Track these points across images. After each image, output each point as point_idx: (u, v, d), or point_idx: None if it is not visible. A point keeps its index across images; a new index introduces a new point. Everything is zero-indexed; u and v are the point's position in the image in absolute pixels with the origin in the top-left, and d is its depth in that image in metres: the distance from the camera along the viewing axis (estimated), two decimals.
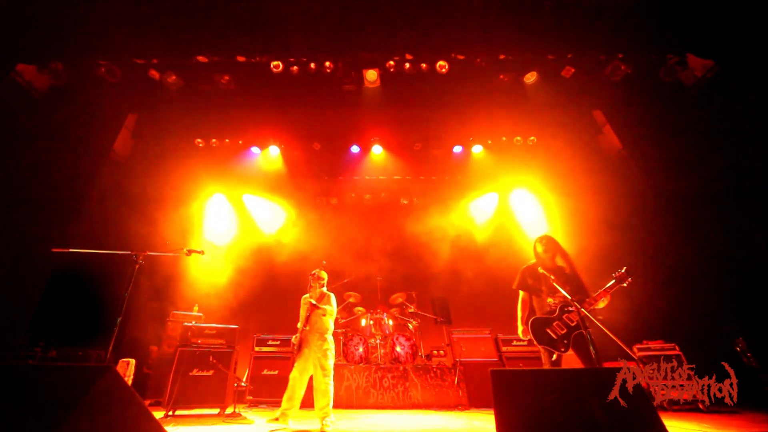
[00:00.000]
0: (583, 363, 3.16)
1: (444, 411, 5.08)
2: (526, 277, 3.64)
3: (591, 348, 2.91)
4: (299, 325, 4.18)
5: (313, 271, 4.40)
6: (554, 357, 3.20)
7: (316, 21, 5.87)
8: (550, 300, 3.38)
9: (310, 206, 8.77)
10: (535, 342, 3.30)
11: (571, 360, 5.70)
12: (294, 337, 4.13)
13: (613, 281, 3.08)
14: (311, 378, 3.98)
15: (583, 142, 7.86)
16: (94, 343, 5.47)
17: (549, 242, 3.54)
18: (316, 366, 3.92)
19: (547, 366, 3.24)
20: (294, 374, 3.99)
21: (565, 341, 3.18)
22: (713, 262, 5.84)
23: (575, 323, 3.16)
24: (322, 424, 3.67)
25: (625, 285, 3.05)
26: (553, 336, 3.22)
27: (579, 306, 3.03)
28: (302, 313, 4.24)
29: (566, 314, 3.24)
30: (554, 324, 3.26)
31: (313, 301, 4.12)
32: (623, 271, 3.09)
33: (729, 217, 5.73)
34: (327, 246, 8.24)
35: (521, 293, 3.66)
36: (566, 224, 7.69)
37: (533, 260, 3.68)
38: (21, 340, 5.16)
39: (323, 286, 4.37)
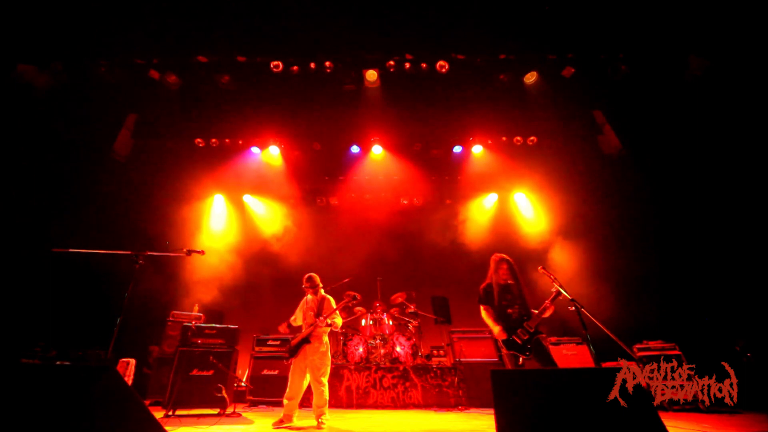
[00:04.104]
0: (541, 364, 3.49)
1: (444, 411, 5.08)
2: (486, 294, 3.95)
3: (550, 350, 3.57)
4: (292, 321, 4.27)
5: (306, 277, 4.35)
6: (520, 361, 3.55)
7: (316, 21, 5.87)
8: (510, 311, 3.74)
9: (310, 206, 8.76)
10: (505, 350, 3.65)
11: (572, 360, 5.71)
12: (292, 337, 4.16)
13: (552, 297, 3.55)
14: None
15: (583, 142, 7.86)
16: (94, 343, 5.47)
17: (505, 263, 3.97)
18: (313, 367, 3.95)
19: None
20: (293, 375, 4.01)
21: (528, 345, 3.55)
22: (713, 261, 5.84)
23: (534, 329, 3.60)
24: (318, 421, 3.79)
25: (560, 297, 3.49)
26: (518, 342, 3.59)
27: (579, 306, 3.23)
28: (301, 316, 4.27)
29: (525, 322, 3.64)
30: (518, 331, 3.62)
31: (327, 322, 4.03)
32: (556, 289, 3.53)
33: (729, 217, 5.74)
34: (327, 246, 8.24)
35: (482, 308, 3.95)
36: (566, 224, 7.69)
37: (488, 278, 4.05)
38: (21, 340, 5.16)
39: (320, 289, 4.34)
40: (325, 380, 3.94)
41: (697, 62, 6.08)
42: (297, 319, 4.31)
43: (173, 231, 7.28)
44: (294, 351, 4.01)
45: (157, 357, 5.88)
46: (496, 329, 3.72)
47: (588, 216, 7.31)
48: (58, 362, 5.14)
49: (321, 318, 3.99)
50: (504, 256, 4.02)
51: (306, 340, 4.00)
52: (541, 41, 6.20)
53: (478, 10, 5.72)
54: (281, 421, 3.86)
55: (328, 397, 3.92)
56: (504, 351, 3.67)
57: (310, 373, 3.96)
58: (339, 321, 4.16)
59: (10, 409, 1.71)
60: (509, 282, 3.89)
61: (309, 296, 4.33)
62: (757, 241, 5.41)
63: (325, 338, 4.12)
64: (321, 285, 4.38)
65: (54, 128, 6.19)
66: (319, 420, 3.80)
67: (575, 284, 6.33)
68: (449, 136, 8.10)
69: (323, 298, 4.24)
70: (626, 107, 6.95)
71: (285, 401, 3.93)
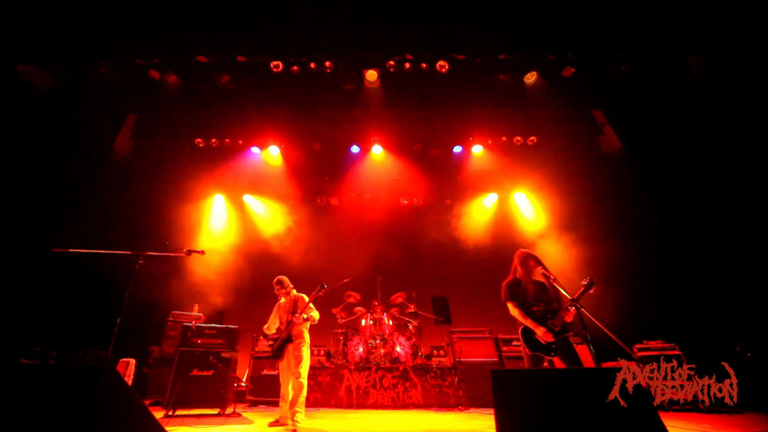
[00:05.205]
0: (567, 365, 3.25)
1: (444, 411, 5.08)
2: (511, 290, 3.66)
3: (575, 350, 3.29)
4: (266, 329, 4.29)
5: (275, 281, 4.34)
6: (545, 364, 3.34)
7: (316, 21, 5.87)
8: (534, 309, 3.50)
9: (310, 206, 8.75)
10: (528, 350, 3.41)
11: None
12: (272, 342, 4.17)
13: (582, 290, 3.25)
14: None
15: (583, 142, 7.86)
16: (94, 343, 5.47)
17: (532, 259, 3.64)
18: (292, 364, 3.96)
19: None
20: (282, 376, 4.05)
21: (554, 345, 3.32)
22: (713, 261, 5.84)
23: (559, 328, 3.34)
24: (293, 420, 3.78)
25: (591, 292, 3.22)
26: (542, 342, 3.36)
27: (579, 307, 3.19)
28: (276, 321, 4.29)
29: (550, 321, 3.39)
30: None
31: (303, 317, 4.05)
32: (588, 281, 3.26)
33: (729, 217, 5.74)
34: (327, 246, 8.23)
35: (510, 305, 3.64)
36: (566, 224, 7.69)
37: (512, 274, 3.75)
38: (21, 340, 5.16)
39: (291, 290, 4.35)
40: (303, 372, 3.92)
41: (696, 62, 6.08)
42: (270, 326, 4.30)
43: (173, 231, 7.27)
44: (278, 353, 4.03)
45: (157, 357, 5.88)
46: (540, 328, 3.37)
47: (588, 216, 7.31)
48: (57, 362, 5.14)
49: (296, 315, 4.02)
50: (530, 252, 3.72)
51: (288, 340, 4.03)
52: (541, 41, 6.19)
53: (478, 10, 5.72)
54: (276, 422, 3.94)
55: (306, 392, 3.91)
56: (527, 351, 3.43)
57: (291, 370, 3.97)
58: (315, 314, 4.16)
59: (10, 410, 1.71)
60: (537, 279, 3.62)
61: (282, 299, 4.34)
62: (757, 241, 5.41)
63: (306, 335, 4.15)
64: (292, 286, 4.40)
65: (54, 128, 6.19)
66: (294, 417, 3.78)
67: (575, 284, 6.32)
68: (449, 136, 8.10)
69: (297, 298, 4.26)
70: (626, 107, 6.95)
71: (281, 403, 3.99)
